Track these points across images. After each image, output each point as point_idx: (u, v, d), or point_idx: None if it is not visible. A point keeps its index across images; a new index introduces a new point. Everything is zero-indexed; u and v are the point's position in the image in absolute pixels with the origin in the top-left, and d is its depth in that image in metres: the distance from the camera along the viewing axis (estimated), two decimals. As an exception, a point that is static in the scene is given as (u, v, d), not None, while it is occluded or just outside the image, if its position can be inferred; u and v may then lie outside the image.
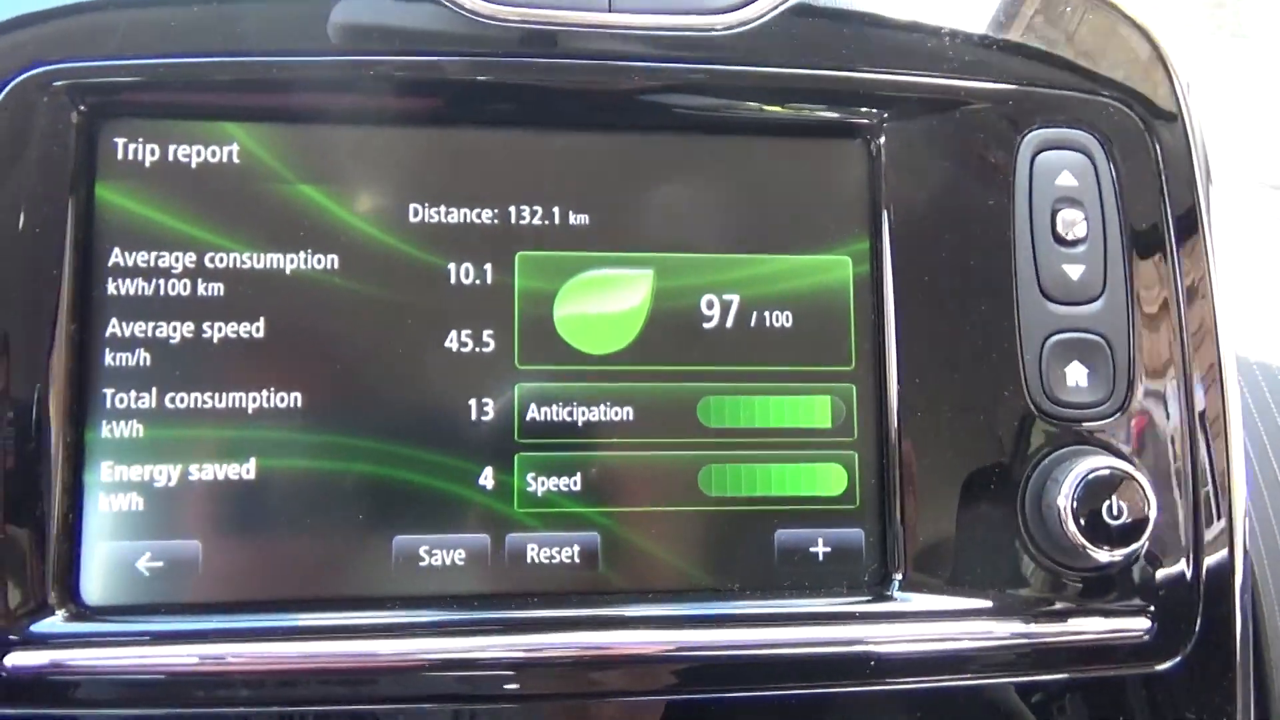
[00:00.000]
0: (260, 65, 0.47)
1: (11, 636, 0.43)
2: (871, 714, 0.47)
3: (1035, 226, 0.50)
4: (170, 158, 0.47)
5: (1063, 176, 0.50)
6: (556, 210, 0.49)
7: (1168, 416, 0.49)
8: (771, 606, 0.47)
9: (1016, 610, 0.48)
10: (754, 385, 0.49)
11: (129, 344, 0.46)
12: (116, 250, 0.46)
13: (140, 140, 0.47)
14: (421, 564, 0.47)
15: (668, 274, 0.49)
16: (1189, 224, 0.50)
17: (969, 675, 0.47)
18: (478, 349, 0.48)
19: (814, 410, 0.49)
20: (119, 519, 0.45)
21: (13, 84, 0.45)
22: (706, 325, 0.49)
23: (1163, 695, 0.48)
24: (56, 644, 0.43)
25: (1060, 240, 0.50)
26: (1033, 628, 0.47)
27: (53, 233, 0.45)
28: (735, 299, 0.50)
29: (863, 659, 0.46)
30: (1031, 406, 0.49)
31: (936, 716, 0.48)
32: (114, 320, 0.46)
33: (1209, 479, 0.49)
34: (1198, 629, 0.48)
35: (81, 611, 0.44)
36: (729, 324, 0.49)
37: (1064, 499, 0.46)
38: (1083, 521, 0.46)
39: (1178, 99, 0.52)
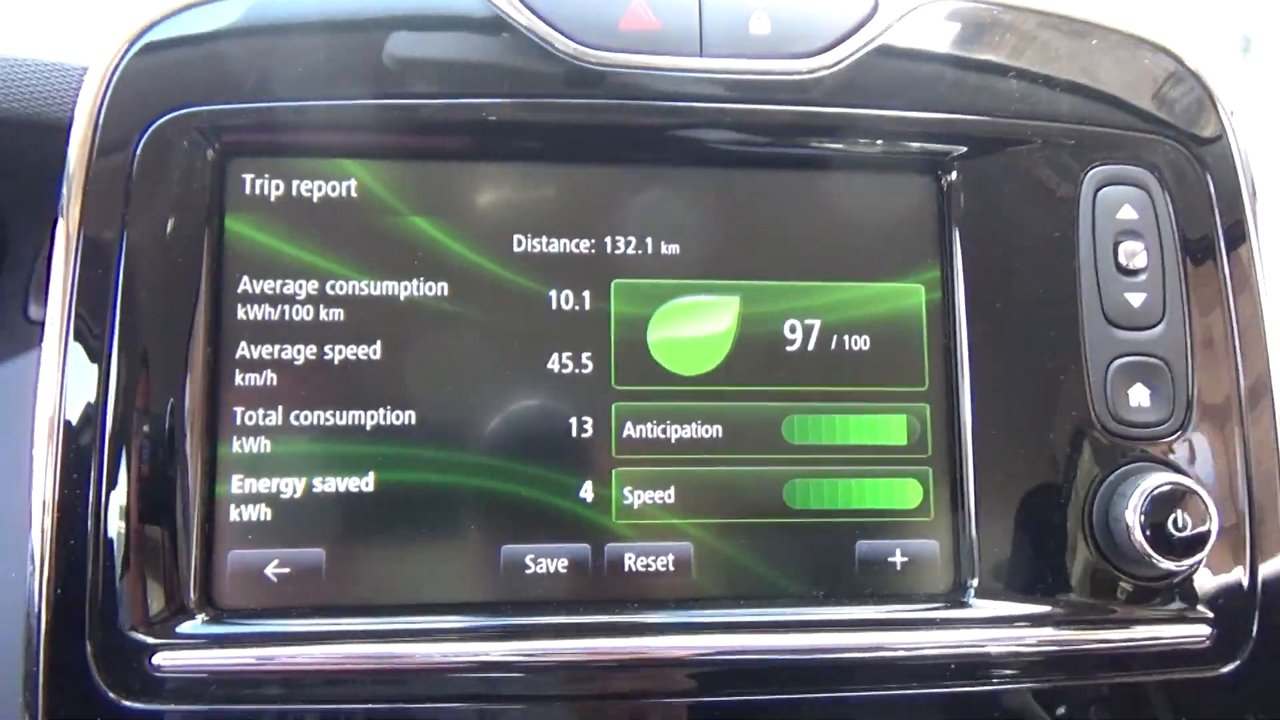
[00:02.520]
0: (376, 108, 0.51)
1: (158, 638, 0.46)
2: (949, 715, 0.50)
3: (1099, 257, 0.53)
4: (294, 193, 0.51)
5: (1124, 210, 0.53)
6: (649, 240, 0.52)
7: (1225, 434, 0.52)
8: (854, 613, 0.50)
9: (1085, 617, 0.51)
10: (834, 405, 0.52)
11: (257, 365, 0.49)
12: (245, 278, 0.50)
13: (266, 176, 0.51)
14: (527, 571, 0.50)
15: (753, 300, 0.53)
16: (1242, 252, 0.54)
17: (1040, 679, 0.50)
18: (577, 370, 0.51)
19: (891, 428, 0.53)
20: (249, 528, 0.48)
21: (156, 125, 0.49)
22: (789, 348, 0.53)
23: (1224, 698, 0.51)
24: (198, 644, 0.46)
25: (1122, 270, 0.53)
26: (1100, 634, 0.50)
27: (190, 262, 0.49)
28: (816, 323, 0.53)
29: (941, 662, 0.49)
30: (1098, 426, 0.52)
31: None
32: (243, 343, 0.49)
33: (1266, 490, 0.52)
34: (1255, 634, 0.51)
35: (219, 614, 0.47)
36: (810, 347, 0.53)
37: (1132, 512, 0.49)
38: (1149, 533, 0.49)
39: (1225, 132, 0.55)
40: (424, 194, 0.51)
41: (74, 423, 0.47)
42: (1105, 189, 0.54)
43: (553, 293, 0.52)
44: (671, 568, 0.51)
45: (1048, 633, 0.50)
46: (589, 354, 0.51)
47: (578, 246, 0.52)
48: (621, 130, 0.52)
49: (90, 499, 0.47)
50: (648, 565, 0.51)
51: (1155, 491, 0.49)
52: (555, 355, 0.51)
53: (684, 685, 0.49)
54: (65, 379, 0.47)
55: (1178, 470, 0.51)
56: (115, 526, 0.47)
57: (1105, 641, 0.50)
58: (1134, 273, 0.53)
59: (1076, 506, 0.51)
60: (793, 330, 0.53)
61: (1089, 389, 0.52)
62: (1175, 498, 0.49)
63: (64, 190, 0.48)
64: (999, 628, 0.50)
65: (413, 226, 0.51)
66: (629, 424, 0.51)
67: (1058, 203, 0.53)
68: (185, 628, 0.46)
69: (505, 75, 0.51)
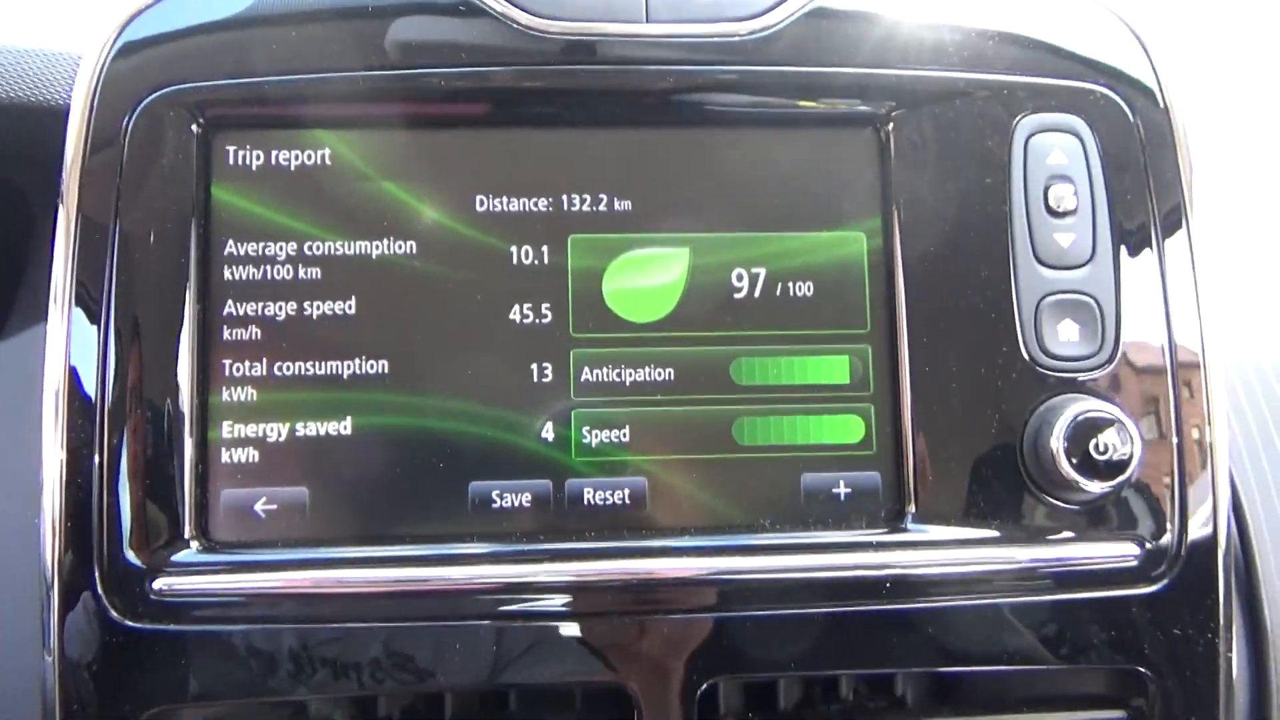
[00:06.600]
0: (346, 81, 0.55)
1: (157, 565, 0.51)
2: (888, 633, 0.53)
3: (1030, 200, 0.56)
4: (273, 162, 0.55)
5: (1054, 155, 0.56)
6: (603, 198, 0.56)
7: (1152, 366, 0.55)
8: (798, 538, 0.54)
9: (1018, 539, 0.54)
10: (780, 348, 0.56)
11: (243, 321, 0.54)
12: (230, 241, 0.54)
13: (248, 148, 0.55)
14: (494, 506, 0.54)
15: (702, 251, 0.56)
16: (1170, 195, 0.56)
17: (974, 596, 0.53)
18: (537, 320, 0.55)
19: (834, 368, 0.56)
20: (239, 469, 0.53)
21: (146, 102, 0.53)
22: (737, 295, 0.56)
23: (1152, 615, 0.54)
24: (193, 571, 0.51)
25: (1052, 212, 0.56)
26: (1032, 552, 0.53)
27: (180, 228, 0.53)
28: (762, 272, 0.56)
29: (879, 581, 0.53)
30: (1029, 360, 0.55)
31: (945, 635, 0.54)
32: (230, 301, 0.54)
33: (1191, 420, 0.54)
34: (1182, 553, 0.54)
35: (212, 545, 0.52)
36: (757, 294, 0.56)
37: (1056, 440, 0.52)
38: (1074, 460, 0.52)
39: (1158, 83, 0.57)
40: (392, 160, 0.56)
41: (80, 380, 0.52)
42: (1036, 135, 0.56)
43: (513, 248, 0.56)
44: (628, 501, 0.54)
45: (981, 553, 0.53)
46: (548, 304, 0.55)
47: (536, 205, 0.56)
48: (573, 95, 0.56)
49: (97, 445, 0.52)
50: (605, 499, 0.54)
51: (1078, 419, 0.52)
52: (517, 306, 0.55)
53: (637, 603, 0.53)
54: (70, 339, 0.52)
55: (1106, 400, 0.54)
56: (119, 469, 0.52)
57: (1036, 561, 0.53)
58: (1063, 214, 0.56)
59: (1009, 436, 0.54)
60: (740, 279, 0.56)
61: (1020, 325, 0.55)
62: (1097, 424, 0.52)
63: (64, 169, 0.53)
64: (935, 549, 0.53)
65: (382, 190, 0.55)
66: (586, 369, 0.55)
67: (990, 150, 0.56)
68: (181, 556, 0.51)
69: (464, 47, 0.55)
